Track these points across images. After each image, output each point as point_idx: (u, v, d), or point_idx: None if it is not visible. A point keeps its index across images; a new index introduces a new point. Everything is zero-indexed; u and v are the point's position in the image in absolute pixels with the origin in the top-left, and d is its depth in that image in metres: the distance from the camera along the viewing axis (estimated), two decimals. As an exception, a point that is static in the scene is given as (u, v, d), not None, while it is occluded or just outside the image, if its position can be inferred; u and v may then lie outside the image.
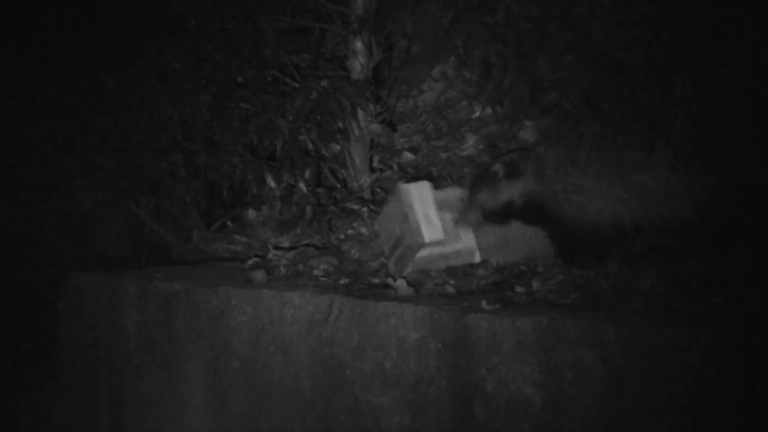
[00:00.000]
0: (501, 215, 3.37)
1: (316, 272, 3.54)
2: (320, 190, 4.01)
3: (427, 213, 3.38)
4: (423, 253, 3.38)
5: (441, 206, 3.46)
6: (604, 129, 3.28)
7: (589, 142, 3.27)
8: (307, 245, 3.77)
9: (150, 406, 3.61)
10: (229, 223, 4.13)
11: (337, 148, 4.02)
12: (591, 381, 2.72)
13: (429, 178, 4.11)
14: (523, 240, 3.43)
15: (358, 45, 3.97)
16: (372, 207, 3.92)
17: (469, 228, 3.42)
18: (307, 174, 4.00)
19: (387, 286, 3.32)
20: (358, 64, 3.97)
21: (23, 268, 4.56)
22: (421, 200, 3.39)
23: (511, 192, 3.35)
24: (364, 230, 3.80)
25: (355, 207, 3.92)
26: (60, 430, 3.91)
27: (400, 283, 3.28)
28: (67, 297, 3.84)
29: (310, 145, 3.98)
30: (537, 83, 3.39)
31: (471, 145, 4.20)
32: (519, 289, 3.17)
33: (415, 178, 4.12)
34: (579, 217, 3.27)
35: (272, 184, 3.97)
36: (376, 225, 3.74)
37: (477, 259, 3.48)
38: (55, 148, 4.35)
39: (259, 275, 3.46)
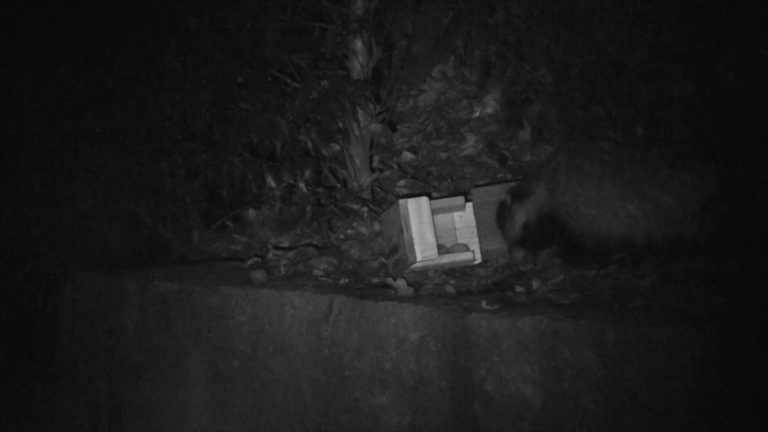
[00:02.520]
0: (524, 238, 3.39)
1: (316, 272, 3.54)
2: (320, 190, 4.01)
3: (423, 230, 3.38)
4: (417, 265, 3.39)
5: (439, 221, 3.47)
6: (620, 144, 3.28)
7: (605, 156, 3.28)
8: (307, 245, 3.77)
9: (149, 406, 3.61)
10: (229, 223, 4.13)
11: (337, 148, 4.02)
12: (591, 381, 2.72)
13: (428, 178, 4.12)
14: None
15: (358, 45, 3.97)
16: (372, 207, 3.92)
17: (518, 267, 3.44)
18: (307, 174, 3.99)
19: (387, 286, 3.32)
20: (358, 64, 3.97)
21: (23, 268, 4.56)
22: (418, 216, 3.39)
23: (525, 213, 3.37)
24: (364, 230, 3.80)
25: (355, 207, 3.92)
26: (60, 430, 3.91)
27: (400, 283, 3.28)
28: (67, 297, 3.84)
29: (310, 145, 3.97)
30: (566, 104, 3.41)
31: (471, 144, 4.20)
32: (519, 289, 3.17)
33: (415, 180, 4.12)
34: (588, 230, 3.28)
35: (272, 183, 3.97)
36: (378, 224, 3.74)
37: (477, 260, 3.48)
38: (55, 148, 4.35)
39: (259, 275, 3.46)
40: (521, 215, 3.39)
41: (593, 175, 3.28)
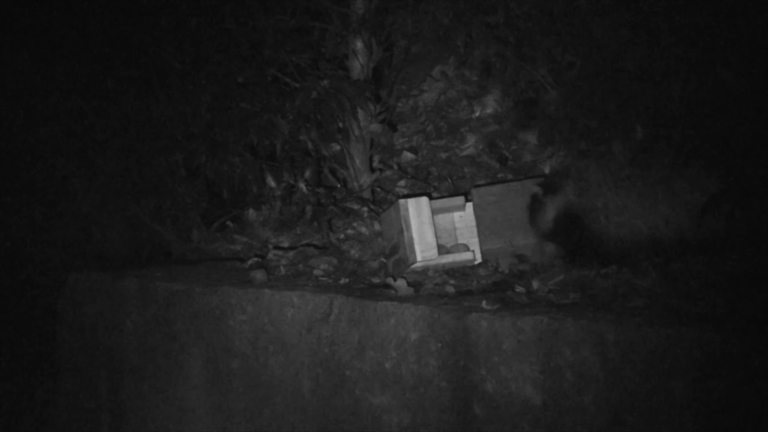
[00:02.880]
0: (555, 232, 3.37)
1: (316, 272, 3.54)
2: (320, 190, 4.01)
3: (423, 230, 3.37)
4: (417, 265, 3.39)
5: (440, 221, 3.46)
6: (644, 144, 3.27)
7: (630, 158, 3.27)
8: (307, 245, 3.77)
9: (150, 406, 3.61)
10: (229, 223, 4.13)
11: (337, 148, 4.02)
12: (591, 381, 2.72)
13: (428, 178, 4.12)
14: None
15: (358, 45, 3.97)
16: (372, 207, 3.92)
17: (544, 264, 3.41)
18: (307, 174, 4.00)
19: (387, 286, 3.32)
20: (358, 64, 3.97)
21: (23, 268, 4.56)
22: (418, 216, 3.39)
23: (555, 207, 3.36)
24: (364, 230, 3.80)
25: (355, 207, 3.92)
26: (60, 430, 3.91)
27: (400, 283, 3.28)
28: (67, 297, 3.84)
29: (310, 145, 3.97)
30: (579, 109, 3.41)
31: (471, 145, 4.20)
32: (519, 289, 3.17)
33: (415, 180, 4.13)
34: (617, 234, 3.26)
35: (272, 184, 3.97)
36: (378, 224, 3.74)
37: (477, 260, 3.48)
38: (55, 148, 4.35)
39: (259, 275, 3.46)
40: (552, 209, 3.37)
41: (622, 177, 3.26)
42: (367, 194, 4.02)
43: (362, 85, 3.90)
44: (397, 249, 3.47)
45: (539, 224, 3.40)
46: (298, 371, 3.23)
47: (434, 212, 3.43)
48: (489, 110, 4.26)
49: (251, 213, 4.04)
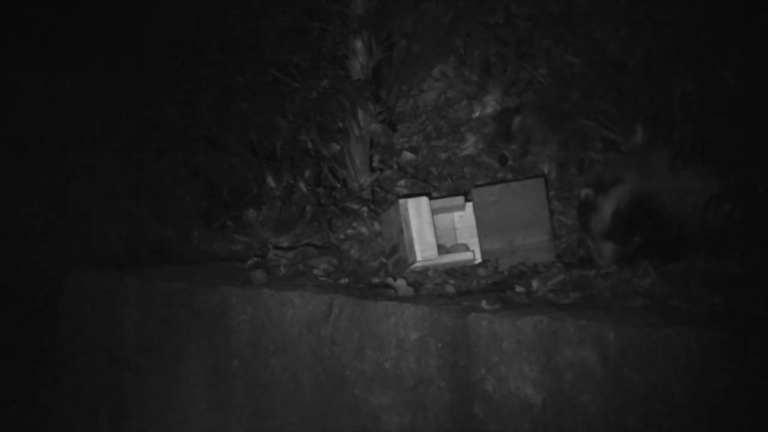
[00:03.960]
0: (613, 230, 3.31)
1: (316, 272, 3.54)
2: (320, 190, 4.01)
3: (423, 230, 3.37)
4: (417, 265, 3.39)
5: (440, 221, 3.46)
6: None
7: (691, 144, 3.22)
8: (307, 245, 3.77)
9: (150, 406, 3.61)
10: (229, 223, 4.13)
11: (337, 148, 4.02)
12: (591, 381, 2.72)
13: (428, 178, 4.13)
14: None
15: (358, 45, 3.98)
16: (372, 207, 3.92)
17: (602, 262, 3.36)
18: (307, 174, 4.00)
19: (387, 285, 3.32)
20: (358, 64, 3.97)
21: (23, 267, 4.56)
22: (418, 216, 3.38)
23: (613, 202, 3.28)
24: (364, 230, 3.80)
25: (355, 207, 3.92)
26: (60, 430, 3.91)
27: (400, 283, 3.28)
28: (67, 297, 3.85)
29: (310, 145, 3.98)
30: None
31: (471, 144, 4.20)
32: (519, 289, 3.17)
33: (415, 180, 4.13)
34: (688, 216, 3.19)
35: (272, 183, 3.97)
36: (378, 224, 3.74)
37: (477, 260, 3.49)
38: (55, 147, 4.36)
39: (259, 275, 3.47)
40: (608, 205, 3.29)
41: (688, 161, 3.20)
42: (367, 194, 4.02)
43: (362, 85, 3.91)
44: (397, 249, 3.47)
45: (593, 226, 3.34)
46: (298, 371, 3.23)
47: (434, 212, 3.43)
48: (489, 110, 4.26)
49: (251, 213, 4.04)
